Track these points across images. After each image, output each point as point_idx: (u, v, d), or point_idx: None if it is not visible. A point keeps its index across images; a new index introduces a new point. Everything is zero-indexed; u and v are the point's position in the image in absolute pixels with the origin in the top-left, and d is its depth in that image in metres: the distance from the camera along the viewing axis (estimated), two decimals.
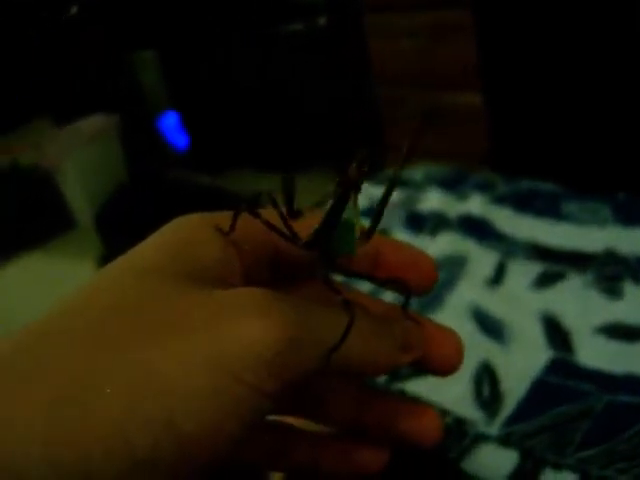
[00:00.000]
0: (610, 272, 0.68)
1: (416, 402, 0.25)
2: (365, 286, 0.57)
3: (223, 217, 0.22)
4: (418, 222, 0.86)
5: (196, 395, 0.17)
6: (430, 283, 0.24)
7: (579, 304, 0.65)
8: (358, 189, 0.19)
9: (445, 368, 0.24)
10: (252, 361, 0.17)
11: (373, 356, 0.21)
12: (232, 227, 0.21)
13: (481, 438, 0.53)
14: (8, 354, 0.17)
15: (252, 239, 0.22)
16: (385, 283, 0.21)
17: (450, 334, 0.24)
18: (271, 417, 0.25)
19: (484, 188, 0.89)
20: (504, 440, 0.52)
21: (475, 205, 0.85)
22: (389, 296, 0.56)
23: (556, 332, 0.62)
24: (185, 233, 0.21)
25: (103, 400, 0.16)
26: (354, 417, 0.24)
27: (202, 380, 0.17)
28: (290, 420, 0.25)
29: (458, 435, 0.54)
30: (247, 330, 0.18)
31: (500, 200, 0.86)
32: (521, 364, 0.59)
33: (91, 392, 0.16)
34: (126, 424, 0.16)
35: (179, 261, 0.20)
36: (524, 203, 0.84)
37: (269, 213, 0.21)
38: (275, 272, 0.20)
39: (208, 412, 0.17)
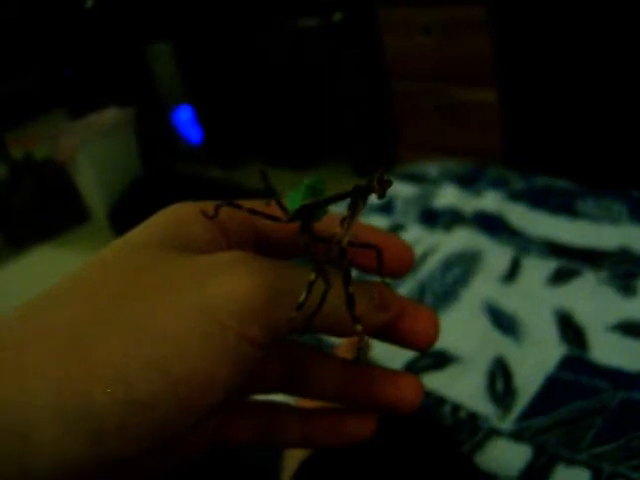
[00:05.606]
0: (624, 270, 0.68)
1: (397, 371, 0.25)
2: None
3: (210, 205, 0.24)
4: (433, 217, 0.86)
5: (187, 341, 0.18)
6: (404, 265, 0.25)
7: (593, 301, 0.65)
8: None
9: (421, 342, 0.24)
10: (236, 308, 0.19)
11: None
12: (216, 211, 0.24)
13: (494, 433, 0.54)
14: (23, 314, 0.19)
15: (236, 222, 0.24)
16: (363, 247, 0.24)
17: (424, 310, 0.25)
18: (262, 397, 0.26)
19: (499, 184, 0.89)
20: (517, 435, 0.53)
21: (490, 201, 0.85)
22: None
23: (570, 329, 0.62)
24: (175, 216, 0.23)
25: (105, 346, 0.18)
26: (339, 389, 0.25)
27: (191, 327, 0.19)
28: (280, 398, 0.26)
29: (471, 429, 0.55)
30: (231, 281, 0.19)
31: (515, 197, 0.86)
32: (535, 360, 0.59)
33: (94, 340, 0.18)
34: (125, 368, 0.18)
35: (170, 237, 0.22)
36: (539, 200, 0.84)
37: (251, 203, 0.24)
38: (260, 253, 0.22)
39: (198, 357, 0.18)
